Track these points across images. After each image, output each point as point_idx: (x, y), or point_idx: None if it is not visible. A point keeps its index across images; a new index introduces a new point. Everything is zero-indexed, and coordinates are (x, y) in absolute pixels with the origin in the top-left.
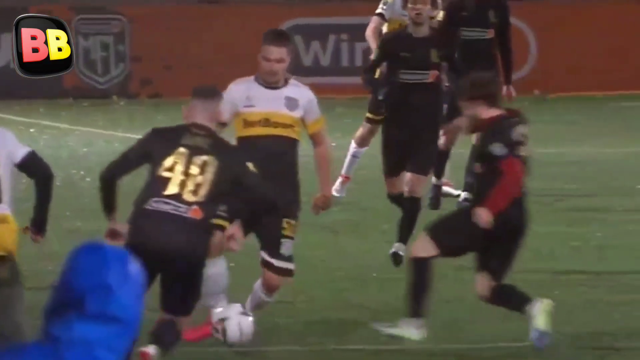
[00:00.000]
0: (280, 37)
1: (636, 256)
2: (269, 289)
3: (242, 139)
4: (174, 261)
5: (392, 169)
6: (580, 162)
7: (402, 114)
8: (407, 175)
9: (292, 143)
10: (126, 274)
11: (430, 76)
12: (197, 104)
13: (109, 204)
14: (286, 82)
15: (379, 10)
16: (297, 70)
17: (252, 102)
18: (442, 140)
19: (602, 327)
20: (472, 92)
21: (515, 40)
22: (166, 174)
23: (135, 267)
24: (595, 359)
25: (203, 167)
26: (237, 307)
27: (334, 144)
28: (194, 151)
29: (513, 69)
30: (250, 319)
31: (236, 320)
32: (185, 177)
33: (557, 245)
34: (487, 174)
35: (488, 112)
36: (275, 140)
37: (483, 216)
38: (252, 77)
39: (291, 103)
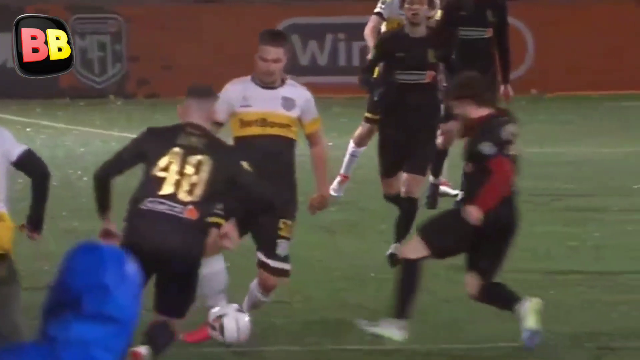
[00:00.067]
0: (277, 37)
1: (633, 256)
2: (265, 289)
3: (238, 139)
4: (169, 261)
5: (389, 169)
6: (577, 161)
7: (398, 114)
8: (404, 176)
9: (289, 143)
10: (123, 274)
11: (427, 77)
12: (191, 104)
13: (103, 204)
14: (283, 82)
15: (377, 9)
16: (294, 69)
17: (249, 102)
18: (440, 140)
19: (599, 327)
20: (461, 91)
21: (512, 39)
22: (161, 174)
23: (132, 267)
24: (592, 359)
25: (198, 167)
26: (234, 306)
27: (330, 144)
28: (189, 151)
29: (511, 68)
30: (247, 317)
31: (233, 316)
32: (180, 176)
33: (553, 245)
34: (476, 173)
35: (477, 112)
36: (272, 140)
37: (473, 213)
38: (248, 77)
39: (288, 103)
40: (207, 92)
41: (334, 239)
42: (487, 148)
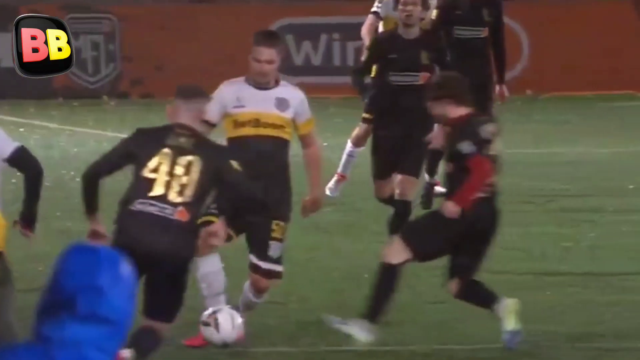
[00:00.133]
0: (270, 38)
1: (628, 257)
2: (257, 290)
3: (232, 140)
4: (159, 263)
5: (381, 171)
6: (572, 162)
7: (392, 116)
8: (398, 177)
9: (283, 144)
10: (117, 275)
11: (421, 78)
12: (180, 104)
13: (91, 205)
14: (277, 82)
15: (374, 9)
16: (289, 69)
17: (242, 102)
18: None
19: (593, 328)
20: (439, 91)
21: (507, 39)
22: (151, 175)
23: (126, 268)
24: None
25: (188, 168)
26: (228, 306)
27: (325, 144)
28: (178, 151)
29: (506, 68)
30: (241, 318)
31: (228, 312)
32: (170, 177)
33: (548, 246)
34: (457, 173)
35: (456, 111)
36: (266, 140)
37: (450, 208)
38: (242, 78)
39: (282, 104)
40: (196, 92)
41: (329, 240)
42: (466, 147)
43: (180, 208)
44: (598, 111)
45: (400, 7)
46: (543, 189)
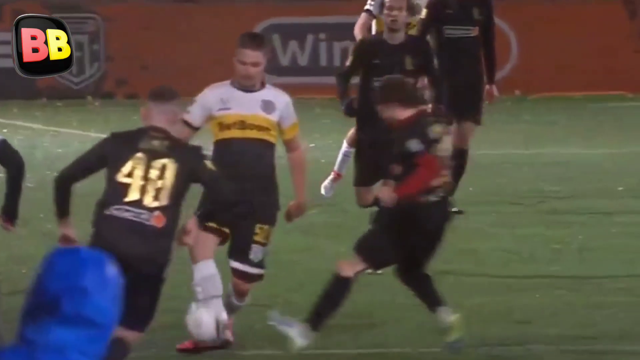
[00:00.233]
0: (255, 40)
1: (618, 258)
2: (238, 293)
3: (218, 142)
4: (135, 269)
5: (364, 178)
6: (562, 163)
7: (376, 123)
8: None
9: (269, 146)
10: (102, 277)
11: None
12: (152, 107)
13: (62, 209)
14: (262, 85)
15: (367, 7)
16: (275, 70)
17: (228, 105)
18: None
19: (583, 330)
20: (385, 95)
21: (496, 39)
22: (125, 180)
23: (112, 269)
24: None
25: (162, 171)
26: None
27: (312, 145)
28: (152, 155)
29: (496, 67)
30: (226, 318)
31: (214, 310)
32: (145, 182)
33: (537, 248)
34: (405, 174)
35: (404, 113)
36: (252, 143)
37: (386, 195)
38: (227, 82)
39: (268, 106)
40: (168, 95)
41: (315, 242)
42: (414, 144)
43: (157, 213)
44: (588, 112)
45: (385, 11)
46: (532, 190)
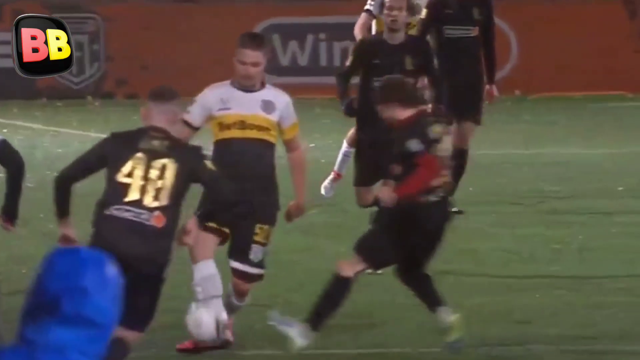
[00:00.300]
0: (255, 40)
1: (618, 258)
2: (238, 293)
3: (218, 142)
4: (135, 269)
5: (364, 178)
6: (562, 163)
7: (376, 123)
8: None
9: (269, 146)
10: (103, 276)
11: None
12: (152, 107)
13: (62, 209)
14: (262, 85)
15: (367, 7)
16: (275, 70)
17: (228, 105)
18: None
19: (583, 330)
20: (385, 95)
21: (496, 39)
22: (126, 180)
23: (112, 270)
24: None
25: (162, 171)
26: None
27: (312, 145)
28: (152, 155)
29: (496, 67)
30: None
31: (212, 311)
32: (145, 182)
33: (537, 248)
34: (405, 174)
35: (404, 113)
36: (252, 143)
37: (386, 195)
38: (228, 82)
39: (268, 106)
40: (168, 94)
41: (315, 242)
42: (414, 144)
43: (157, 213)
44: (588, 112)
45: (385, 11)
46: (532, 190)
